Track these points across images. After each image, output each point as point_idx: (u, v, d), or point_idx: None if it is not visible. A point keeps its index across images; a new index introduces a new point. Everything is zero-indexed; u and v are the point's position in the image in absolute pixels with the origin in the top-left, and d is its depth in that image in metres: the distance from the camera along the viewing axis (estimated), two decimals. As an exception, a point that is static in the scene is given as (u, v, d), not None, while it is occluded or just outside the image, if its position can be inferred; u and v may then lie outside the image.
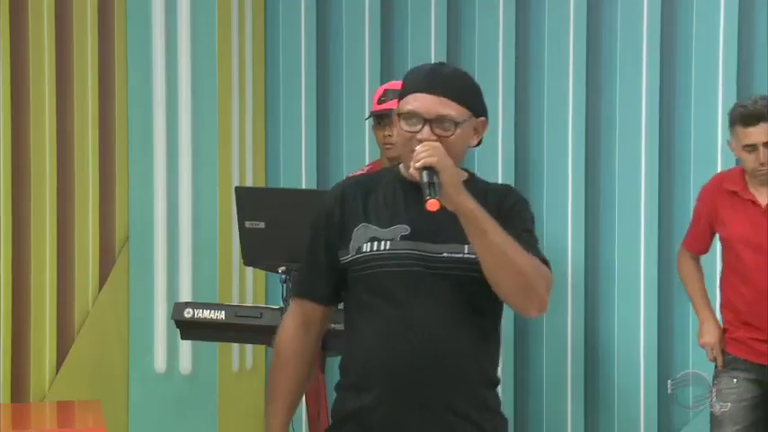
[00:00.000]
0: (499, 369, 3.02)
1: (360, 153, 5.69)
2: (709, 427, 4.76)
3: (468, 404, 2.88)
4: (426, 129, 2.84)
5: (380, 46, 5.73)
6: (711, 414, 4.72)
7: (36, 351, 5.44)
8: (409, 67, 5.69)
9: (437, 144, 2.81)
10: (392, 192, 2.93)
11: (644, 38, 5.51)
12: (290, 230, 4.48)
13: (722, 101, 5.41)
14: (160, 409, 5.53)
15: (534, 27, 5.64)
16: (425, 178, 2.76)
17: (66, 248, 5.50)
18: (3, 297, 5.35)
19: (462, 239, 2.83)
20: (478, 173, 3.08)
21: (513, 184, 5.56)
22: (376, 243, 2.87)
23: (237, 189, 4.72)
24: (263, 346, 5.59)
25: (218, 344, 5.39)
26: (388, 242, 2.86)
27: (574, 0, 5.56)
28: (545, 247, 5.68)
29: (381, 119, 4.74)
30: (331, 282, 2.97)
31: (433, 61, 5.61)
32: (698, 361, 5.46)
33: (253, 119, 5.74)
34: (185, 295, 5.45)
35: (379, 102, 4.76)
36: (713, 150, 5.42)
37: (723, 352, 4.70)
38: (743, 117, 4.52)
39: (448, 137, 2.85)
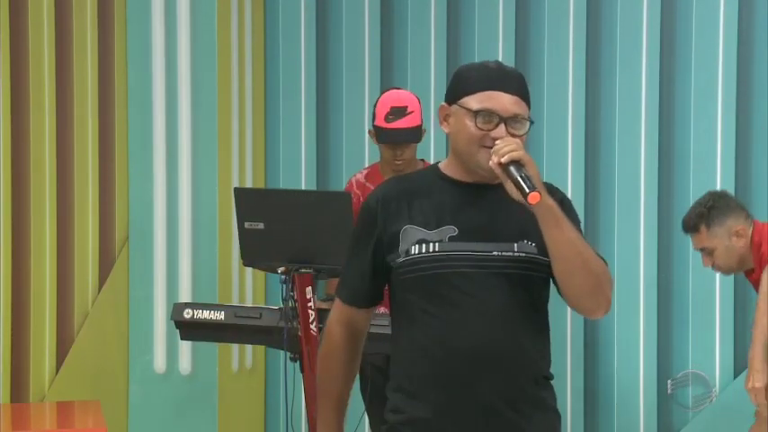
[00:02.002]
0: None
1: (359, 153, 5.69)
2: None
3: (527, 403, 2.88)
4: (502, 127, 2.81)
5: (380, 46, 5.74)
6: None
7: (36, 351, 5.44)
8: (409, 67, 5.75)
9: (517, 139, 2.79)
10: (436, 192, 2.90)
11: (644, 38, 5.51)
12: (290, 231, 4.50)
13: (722, 101, 5.41)
14: (160, 410, 5.53)
15: (534, 27, 5.64)
16: (517, 173, 2.73)
17: (66, 248, 5.50)
18: (3, 297, 5.36)
19: (511, 238, 2.83)
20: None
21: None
22: (424, 245, 2.84)
23: (237, 190, 4.72)
24: (263, 347, 5.60)
25: (217, 344, 5.39)
26: (437, 244, 2.83)
27: (574, 0, 5.56)
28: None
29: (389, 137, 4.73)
30: (377, 286, 2.95)
31: (433, 61, 5.67)
32: (698, 361, 5.47)
33: (252, 119, 5.74)
34: (185, 296, 5.45)
35: (387, 120, 4.73)
36: (713, 150, 5.42)
37: None
38: (681, 226, 4.73)
39: (521, 136, 2.83)
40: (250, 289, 5.69)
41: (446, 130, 2.92)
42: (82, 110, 5.50)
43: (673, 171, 5.57)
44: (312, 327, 4.47)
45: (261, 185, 5.77)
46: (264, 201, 4.69)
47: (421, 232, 2.86)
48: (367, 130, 4.94)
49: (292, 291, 4.48)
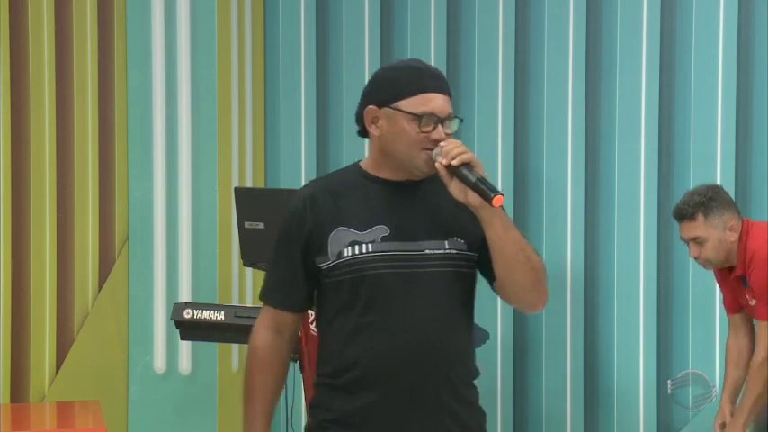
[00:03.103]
0: (498, 369, 3.03)
1: (359, 153, 5.65)
2: None
3: (457, 402, 2.89)
4: (440, 128, 2.84)
5: (380, 46, 5.73)
6: None
7: (36, 351, 5.44)
8: (409, 67, 5.73)
9: (458, 141, 2.82)
10: (364, 192, 2.91)
11: (644, 38, 5.51)
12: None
13: (722, 101, 5.40)
14: (160, 410, 5.53)
15: (534, 27, 5.63)
16: (473, 176, 2.77)
17: (66, 248, 5.50)
18: (3, 297, 5.36)
19: (440, 235, 2.85)
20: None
21: (512, 185, 5.56)
22: (357, 246, 2.84)
23: (237, 190, 4.72)
24: (263, 347, 5.59)
25: (217, 344, 5.39)
26: (370, 245, 2.84)
27: (574, 0, 5.55)
28: (545, 247, 5.71)
29: None
30: (307, 289, 2.94)
31: (433, 61, 5.67)
32: (698, 361, 5.47)
33: (252, 119, 5.74)
34: (185, 296, 5.45)
35: None
36: (713, 150, 5.42)
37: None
38: (674, 212, 4.73)
39: (452, 133, 2.87)
40: (250, 289, 5.69)
41: (375, 133, 2.91)
42: (82, 110, 5.50)
43: (673, 171, 5.56)
44: (312, 327, 4.47)
45: (261, 185, 5.76)
46: (264, 200, 4.69)
47: (353, 234, 2.86)
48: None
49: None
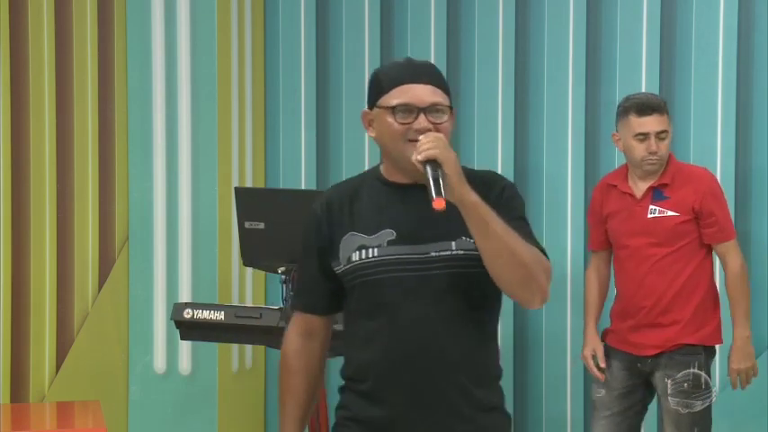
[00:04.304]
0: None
1: (360, 153, 5.69)
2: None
3: (469, 405, 2.86)
4: (422, 117, 2.82)
5: (380, 46, 5.73)
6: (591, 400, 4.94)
7: (36, 351, 5.44)
8: (409, 67, 5.73)
9: (440, 135, 2.77)
10: (375, 195, 2.91)
11: (644, 38, 5.51)
12: (290, 231, 4.47)
13: (722, 101, 5.40)
14: (160, 410, 5.53)
15: (534, 27, 5.63)
16: (430, 173, 2.72)
17: (66, 248, 5.50)
18: (3, 297, 5.36)
19: (448, 236, 2.82)
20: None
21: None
22: (364, 251, 2.85)
23: (237, 190, 4.72)
24: (263, 347, 5.60)
25: (217, 344, 5.39)
26: (376, 249, 2.84)
27: (574, 0, 5.55)
28: (545, 247, 5.67)
29: None
30: (330, 292, 2.95)
31: (432, 61, 5.65)
32: (698, 361, 5.46)
33: (252, 119, 5.74)
34: (185, 296, 5.45)
35: None
36: (713, 150, 5.42)
37: (606, 349, 4.85)
38: (638, 107, 4.71)
39: (443, 123, 2.83)
40: (250, 289, 5.69)
41: (372, 135, 2.92)
42: (82, 110, 5.50)
43: (673, 171, 5.56)
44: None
45: (261, 185, 5.76)
46: (264, 200, 4.69)
47: (361, 238, 2.86)
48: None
49: (292, 291, 4.48)
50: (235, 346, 5.58)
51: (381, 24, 5.73)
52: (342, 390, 2.98)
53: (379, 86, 2.91)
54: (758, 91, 5.44)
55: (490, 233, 2.74)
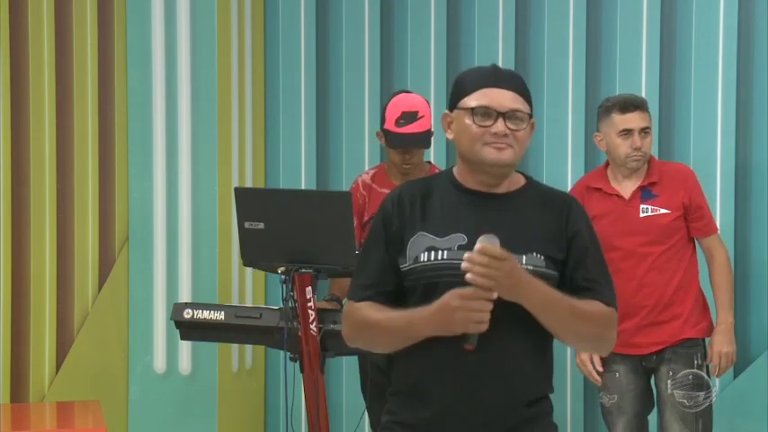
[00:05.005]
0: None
1: (360, 153, 5.69)
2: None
3: (521, 417, 2.89)
4: (500, 122, 2.82)
5: (380, 46, 5.73)
6: (601, 405, 4.87)
7: (36, 351, 5.45)
8: (409, 67, 5.75)
9: (499, 265, 2.71)
10: (448, 198, 2.89)
11: (644, 37, 5.51)
12: (290, 231, 4.50)
13: (722, 101, 5.41)
14: (160, 410, 5.53)
15: (534, 27, 5.64)
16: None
17: (66, 248, 5.50)
18: (3, 297, 5.36)
19: (520, 249, 2.80)
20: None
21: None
22: (433, 252, 2.82)
23: (237, 190, 4.71)
24: (263, 347, 5.60)
25: (217, 344, 5.39)
26: (446, 252, 2.82)
27: (574, 0, 5.55)
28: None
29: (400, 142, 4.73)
30: (396, 284, 2.89)
31: (433, 61, 5.67)
32: (698, 361, 5.46)
33: (252, 119, 5.74)
34: (185, 296, 5.45)
35: (397, 124, 4.73)
36: (713, 150, 5.42)
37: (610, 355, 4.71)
38: (621, 104, 4.73)
39: (520, 130, 2.84)
40: (250, 289, 5.69)
41: (450, 137, 2.92)
42: (82, 110, 5.50)
43: (673, 170, 5.56)
44: (312, 327, 4.47)
45: (261, 185, 5.77)
46: (264, 201, 4.68)
47: (431, 239, 2.84)
48: (375, 132, 4.92)
49: (292, 291, 4.48)
50: (235, 346, 5.59)
51: (381, 24, 5.74)
52: (389, 394, 2.94)
53: (461, 88, 2.90)
54: (758, 91, 5.44)
55: (555, 319, 2.83)
